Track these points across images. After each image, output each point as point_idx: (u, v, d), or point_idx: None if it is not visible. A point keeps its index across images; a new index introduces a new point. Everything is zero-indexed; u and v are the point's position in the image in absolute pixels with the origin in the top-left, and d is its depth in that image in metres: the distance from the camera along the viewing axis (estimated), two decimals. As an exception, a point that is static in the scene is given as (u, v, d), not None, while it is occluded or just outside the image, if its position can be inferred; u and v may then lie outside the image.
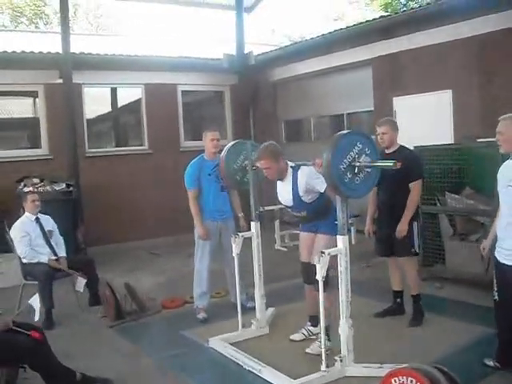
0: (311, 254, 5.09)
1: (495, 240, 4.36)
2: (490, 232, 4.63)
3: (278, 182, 5.20)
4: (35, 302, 5.35)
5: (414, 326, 5.56)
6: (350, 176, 4.08)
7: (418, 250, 5.80)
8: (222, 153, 5.77)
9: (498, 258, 4.29)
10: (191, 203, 6.29)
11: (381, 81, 9.87)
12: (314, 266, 4.54)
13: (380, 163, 4.20)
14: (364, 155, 4.14)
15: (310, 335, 5.38)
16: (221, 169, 5.83)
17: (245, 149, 5.71)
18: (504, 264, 4.21)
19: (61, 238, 6.92)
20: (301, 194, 4.96)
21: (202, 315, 6.28)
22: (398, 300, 5.96)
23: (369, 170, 4.16)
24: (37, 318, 5.25)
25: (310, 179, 4.88)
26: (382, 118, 9.49)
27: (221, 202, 6.33)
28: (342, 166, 4.06)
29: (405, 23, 9.22)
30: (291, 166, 5.07)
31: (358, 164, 4.09)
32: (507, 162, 4.23)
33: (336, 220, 4.60)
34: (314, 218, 5.09)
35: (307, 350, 4.97)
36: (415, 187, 5.52)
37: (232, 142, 5.93)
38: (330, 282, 4.49)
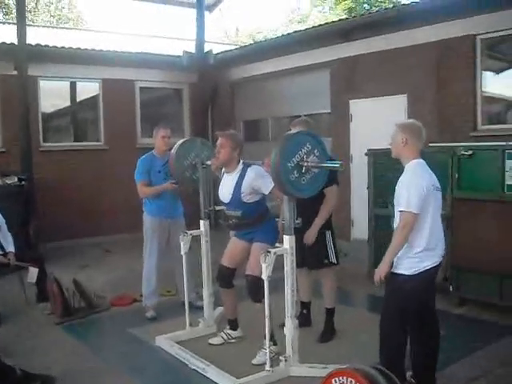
0: (234, 260, 5.15)
1: None
2: None
3: (224, 176, 5.14)
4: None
5: (325, 342, 5.35)
6: (296, 175, 4.09)
7: (333, 260, 5.41)
8: (173, 149, 5.72)
9: None
10: (143, 190, 6.22)
11: (338, 83, 9.94)
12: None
13: (327, 164, 4.22)
14: (313, 156, 4.16)
15: (229, 339, 5.38)
16: (170, 165, 5.78)
17: (195, 146, 5.71)
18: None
19: (9, 233, 6.75)
20: (242, 190, 4.90)
21: (150, 313, 6.25)
22: (305, 311, 5.76)
23: (316, 170, 4.18)
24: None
25: (258, 177, 4.86)
26: (338, 120, 9.73)
27: (170, 200, 6.27)
28: (289, 164, 4.06)
29: (363, 27, 9.30)
30: (243, 163, 5.05)
31: (305, 164, 4.10)
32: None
33: (271, 227, 4.75)
34: (245, 222, 4.99)
35: (253, 362, 4.80)
36: (329, 193, 5.17)
37: (182, 140, 5.89)
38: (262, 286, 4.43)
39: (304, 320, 5.56)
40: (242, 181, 4.92)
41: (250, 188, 4.89)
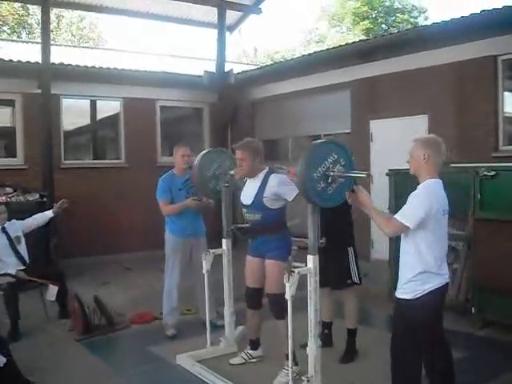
0: (254, 279, 5.13)
1: None
2: None
3: (247, 181, 5.14)
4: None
5: (346, 363, 5.28)
6: (322, 185, 4.01)
7: (356, 280, 5.37)
8: (195, 161, 5.72)
9: None
10: (165, 208, 6.24)
11: (358, 103, 9.96)
12: (273, 295, 4.70)
13: (353, 174, 4.17)
14: (339, 165, 4.09)
15: (249, 358, 5.35)
16: (193, 176, 5.78)
17: (219, 157, 5.72)
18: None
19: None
20: (265, 195, 4.88)
21: (170, 331, 6.24)
22: (326, 331, 5.63)
23: (342, 180, 4.11)
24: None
25: (282, 184, 4.83)
26: (358, 140, 9.73)
27: (192, 218, 6.29)
28: (315, 174, 3.98)
29: (384, 48, 9.34)
30: (268, 168, 5.05)
31: (331, 173, 4.04)
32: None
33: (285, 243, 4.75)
34: (264, 228, 4.94)
35: (275, 382, 4.77)
36: None
37: (205, 150, 5.91)
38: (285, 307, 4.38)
39: (325, 340, 5.44)
40: (264, 186, 4.91)
41: (272, 194, 4.88)
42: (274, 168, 5.13)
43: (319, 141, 4.34)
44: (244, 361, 5.34)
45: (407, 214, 3.71)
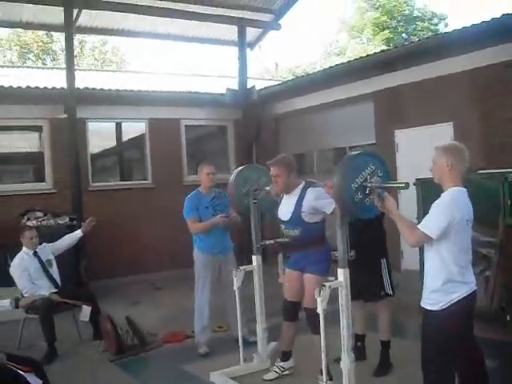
0: (293, 292, 5.13)
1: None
2: None
3: (284, 197, 5.16)
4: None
5: (381, 376, 5.22)
6: (360, 196, 3.99)
7: (389, 292, 5.36)
8: (231, 177, 5.75)
9: None
10: (194, 226, 6.27)
11: (382, 114, 9.93)
12: (309, 309, 4.64)
13: (392, 184, 4.14)
14: (376, 176, 4.05)
15: (282, 371, 5.32)
16: (230, 193, 5.80)
17: (254, 173, 5.75)
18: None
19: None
20: (303, 210, 4.91)
21: (203, 349, 6.24)
22: (359, 344, 5.60)
23: (380, 191, 4.06)
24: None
25: (319, 198, 4.86)
26: (384, 150, 9.67)
27: (220, 235, 6.32)
28: (353, 185, 3.96)
29: (405, 57, 9.30)
30: (305, 182, 5.07)
31: (369, 185, 4.00)
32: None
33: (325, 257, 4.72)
34: (303, 243, 4.97)
35: None
36: None
37: (241, 167, 5.95)
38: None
39: (359, 353, 5.38)
40: (302, 201, 4.94)
41: (310, 208, 4.90)
42: (310, 182, 5.13)
43: (355, 152, 4.29)
44: (277, 375, 5.31)
45: (430, 225, 3.68)
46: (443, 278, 3.71)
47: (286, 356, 5.37)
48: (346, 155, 4.26)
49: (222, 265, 6.30)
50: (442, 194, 3.80)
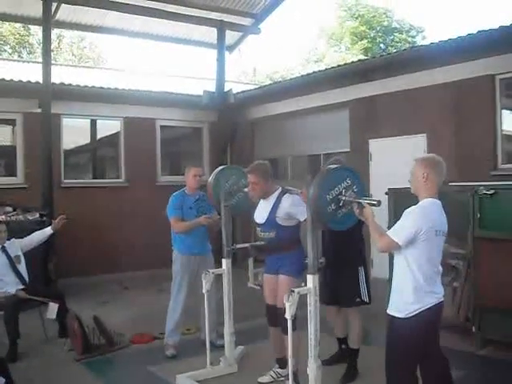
0: (273, 296, 5.14)
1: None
2: None
3: (261, 201, 5.21)
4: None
5: (347, 383, 5.27)
6: (333, 207, 4.06)
7: (365, 299, 5.41)
8: (210, 177, 5.79)
9: None
10: (177, 225, 6.24)
11: (357, 123, 10.01)
12: (280, 308, 4.58)
13: (364, 200, 4.19)
14: (351, 191, 4.13)
15: (278, 377, 5.31)
16: (209, 194, 5.84)
17: (233, 174, 5.79)
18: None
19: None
20: (277, 214, 4.97)
21: (170, 352, 6.21)
22: (344, 346, 5.65)
23: (353, 205, 4.12)
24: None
25: (294, 205, 4.92)
26: (358, 159, 9.75)
27: (200, 237, 6.32)
28: (328, 196, 4.03)
29: (382, 67, 9.41)
30: (282, 189, 5.12)
31: (343, 198, 4.08)
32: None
33: (300, 259, 4.67)
34: (278, 245, 5.02)
35: None
36: None
37: (220, 167, 5.99)
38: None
39: (343, 356, 5.56)
40: (277, 206, 5.00)
41: (285, 214, 4.96)
42: (287, 189, 5.17)
43: (335, 166, 4.40)
44: (273, 379, 5.30)
45: (398, 232, 3.74)
46: (410, 286, 3.74)
47: (281, 363, 5.31)
48: (326, 167, 4.34)
49: (200, 266, 6.24)
50: (417, 204, 3.85)
